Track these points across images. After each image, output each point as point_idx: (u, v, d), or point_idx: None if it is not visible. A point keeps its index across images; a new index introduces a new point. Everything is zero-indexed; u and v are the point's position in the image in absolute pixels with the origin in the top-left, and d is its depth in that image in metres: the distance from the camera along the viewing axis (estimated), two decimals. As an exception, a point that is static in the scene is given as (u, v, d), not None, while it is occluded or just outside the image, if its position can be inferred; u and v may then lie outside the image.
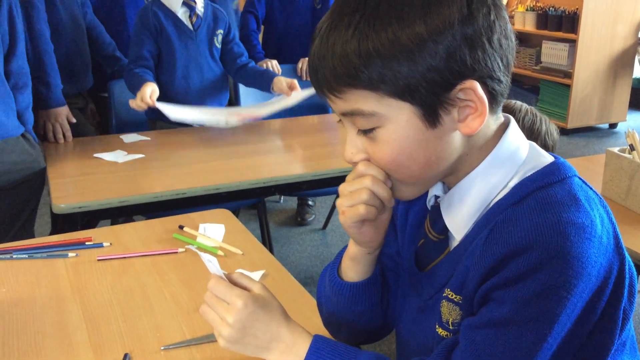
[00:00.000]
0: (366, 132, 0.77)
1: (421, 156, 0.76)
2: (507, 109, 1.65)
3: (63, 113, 2.35)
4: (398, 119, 0.74)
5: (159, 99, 2.61)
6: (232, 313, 0.83)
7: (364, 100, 0.73)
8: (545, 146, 1.65)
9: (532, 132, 1.61)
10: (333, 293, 0.95)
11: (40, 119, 2.30)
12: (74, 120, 2.41)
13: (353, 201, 0.82)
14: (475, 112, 0.74)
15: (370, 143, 0.77)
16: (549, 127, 1.59)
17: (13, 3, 2.01)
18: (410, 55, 0.69)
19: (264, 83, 2.63)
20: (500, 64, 0.74)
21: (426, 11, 0.69)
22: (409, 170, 0.77)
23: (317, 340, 0.84)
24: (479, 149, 0.79)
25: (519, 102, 1.68)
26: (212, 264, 0.88)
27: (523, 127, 1.60)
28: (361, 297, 0.93)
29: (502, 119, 0.81)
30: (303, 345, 0.83)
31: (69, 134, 2.36)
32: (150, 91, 2.29)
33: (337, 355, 0.81)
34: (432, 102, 0.72)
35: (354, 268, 0.93)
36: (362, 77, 0.71)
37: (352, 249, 0.91)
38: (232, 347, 0.85)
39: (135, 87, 2.37)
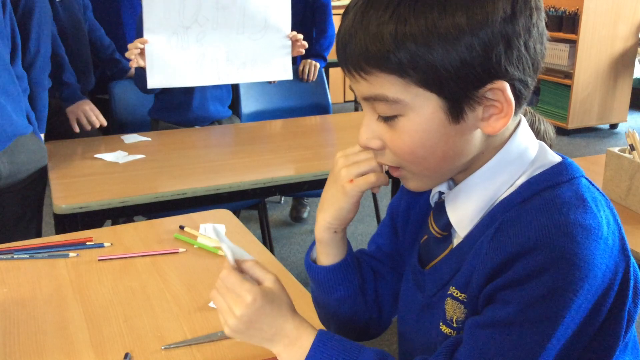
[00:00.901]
0: (387, 119, 0.75)
1: (439, 150, 0.75)
2: None
3: (85, 104, 2.46)
4: (422, 110, 0.72)
5: (161, 101, 2.61)
6: (241, 306, 0.82)
7: (390, 85, 0.72)
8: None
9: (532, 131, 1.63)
10: (311, 280, 0.96)
11: (70, 115, 2.42)
12: (101, 118, 2.50)
13: (363, 169, 0.84)
14: (500, 112, 0.73)
15: (389, 130, 0.76)
16: (546, 126, 1.61)
17: (37, 8, 2.08)
18: (446, 44, 0.68)
19: None
20: (531, 68, 0.73)
21: (470, 4, 0.68)
22: (425, 162, 0.76)
23: (321, 335, 0.83)
24: (495, 149, 0.78)
25: None
26: (229, 252, 0.87)
27: None
28: (336, 281, 0.94)
29: (518, 120, 0.81)
30: (307, 340, 0.83)
31: (101, 117, 2.47)
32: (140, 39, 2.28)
33: (340, 350, 0.81)
34: (459, 97, 0.71)
35: (324, 251, 0.93)
36: (392, 60, 0.70)
37: (319, 232, 0.92)
38: (237, 337, 0.85)
39: (141, 78, 2.39)
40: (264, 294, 0.83)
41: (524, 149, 0.79)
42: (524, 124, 0.81)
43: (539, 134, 1.59)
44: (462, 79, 0.70)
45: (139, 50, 2.25)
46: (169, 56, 2.30)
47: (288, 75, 2.53)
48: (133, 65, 2.29)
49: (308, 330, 0.84)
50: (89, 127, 2.45)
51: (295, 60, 3.18)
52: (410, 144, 0.75)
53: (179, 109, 2.59)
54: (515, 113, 0.77)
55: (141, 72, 2.33)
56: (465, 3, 0.68)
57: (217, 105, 2.67)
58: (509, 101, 0.72)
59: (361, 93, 0.76)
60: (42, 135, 2.19)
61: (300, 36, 2.48)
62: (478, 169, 0.79)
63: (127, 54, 2.27)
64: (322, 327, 1.05)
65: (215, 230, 0.88)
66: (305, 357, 0.81)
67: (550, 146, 1.64)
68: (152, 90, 2.45)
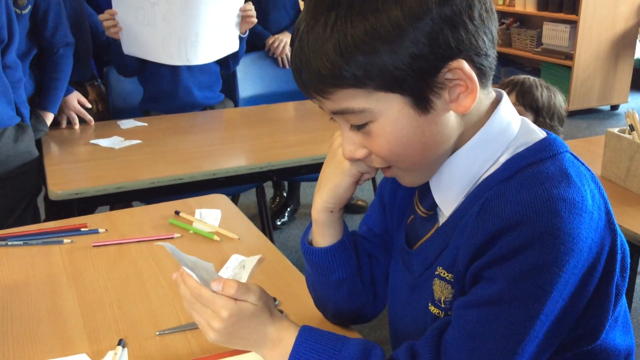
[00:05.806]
0: (359, 127, 0.76)
1: (419, 143, 0.75)
2: (523, 86, 1.69)
3: (74, 99, 2.38)
4: (389, 112, 0.73)
5: (148, 92, 2.59)
6: (217, 321, 0.81)
7: (352, 99, 0.72)
8: (561, 118, 1.71)
9: (550, 107, 1.66)
10: (308, 263, 0.96)
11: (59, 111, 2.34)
12: (89, 105, 2.44)
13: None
14: (466, 90, 0.73)
15: (366, 137, 0.77)
16: (560, 99, 1.64)
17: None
18: (392, 45, 0.68)
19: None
20: (485, 39, 0.73)
21: None
22: (409, 157, 0.77)
23: (303, 330, 0.83)
24: (473, 126, 0.78)
25: (532, 77, 1.69)
26: (193, 274, 0.85)
27: (542, 103, 1.64)
28: (333, 263, 0.93)
29: (493, 94, 0.80)
30: (290, 338, 0.82)
31: (89, 117, 2.39)
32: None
33: (323, 343, 0.81)
34: (421, 89, 0.71)
35: (321, 232, 0.93)
36: (346, 75, 0.70)
37: (316, 212, 0.92)
38: (221, 344, 0.85)
39: (119, 62, 2.44)
40: (239, 307, 0.81)
41: (505, 126, 0.78)
42: (506, 100, 0.80)
43: (556, 108, 1.64)
44: (418, 72, 0.70)
45: (111, 22, 2.30)
46: (136, 29, 2.33)
47: (234, 47, 2.52)
48: (111, 33, 2.34)
49: (290, 328, 0.84)
50: (77, 126, 2.35)
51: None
52: (388, 145, 0.75)
53: (166, 98, 2.56)
54: (484, 86, 0.77)
55: (115, 54, 2.39)
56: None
57: (205, 91, 2.63)
58: (470, 76, 0.72)
59: (328, 110, 0.76)
60: (52, 115, 2.22)
61: (251, 7, 2.46)
62: (460, 147, 0.79)
63: (103, 25, 2.34)
64: (314, 313, 1.05)
65: (170, 249, 0.84)
66: (290, 355, 0.81)
67: (564, 118, 1.66)
68: (129, 68, 2.49)
